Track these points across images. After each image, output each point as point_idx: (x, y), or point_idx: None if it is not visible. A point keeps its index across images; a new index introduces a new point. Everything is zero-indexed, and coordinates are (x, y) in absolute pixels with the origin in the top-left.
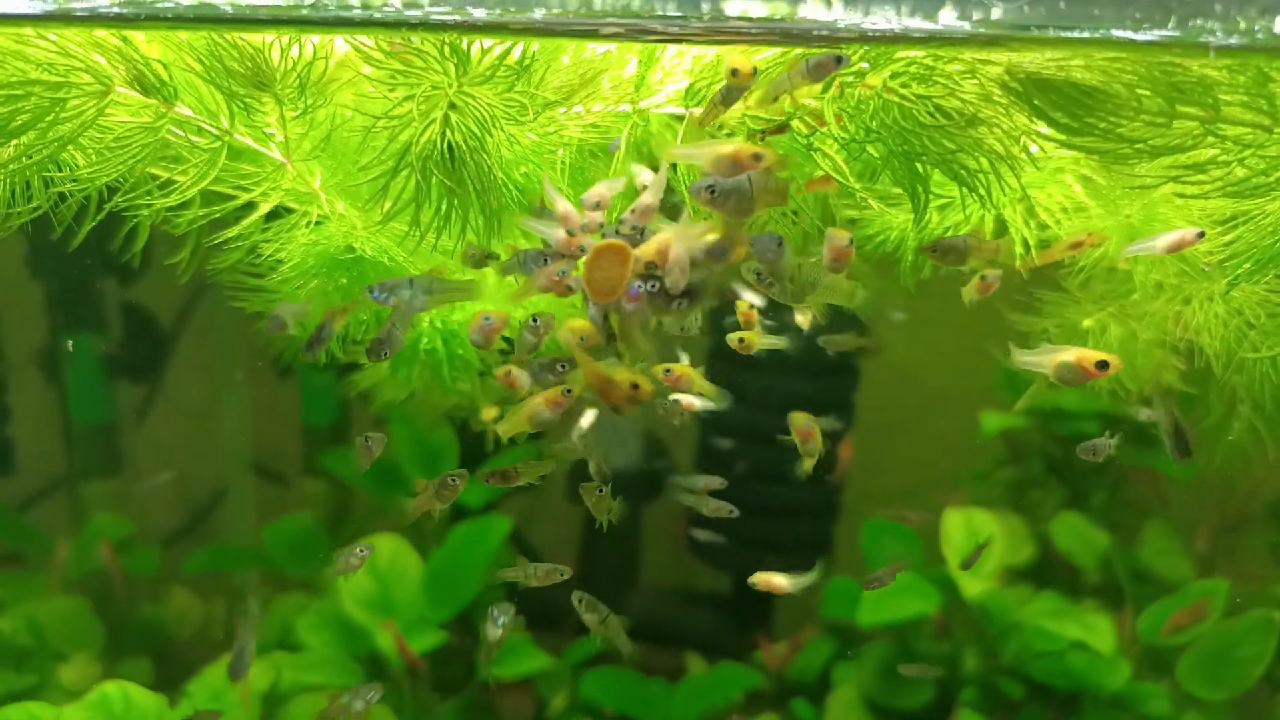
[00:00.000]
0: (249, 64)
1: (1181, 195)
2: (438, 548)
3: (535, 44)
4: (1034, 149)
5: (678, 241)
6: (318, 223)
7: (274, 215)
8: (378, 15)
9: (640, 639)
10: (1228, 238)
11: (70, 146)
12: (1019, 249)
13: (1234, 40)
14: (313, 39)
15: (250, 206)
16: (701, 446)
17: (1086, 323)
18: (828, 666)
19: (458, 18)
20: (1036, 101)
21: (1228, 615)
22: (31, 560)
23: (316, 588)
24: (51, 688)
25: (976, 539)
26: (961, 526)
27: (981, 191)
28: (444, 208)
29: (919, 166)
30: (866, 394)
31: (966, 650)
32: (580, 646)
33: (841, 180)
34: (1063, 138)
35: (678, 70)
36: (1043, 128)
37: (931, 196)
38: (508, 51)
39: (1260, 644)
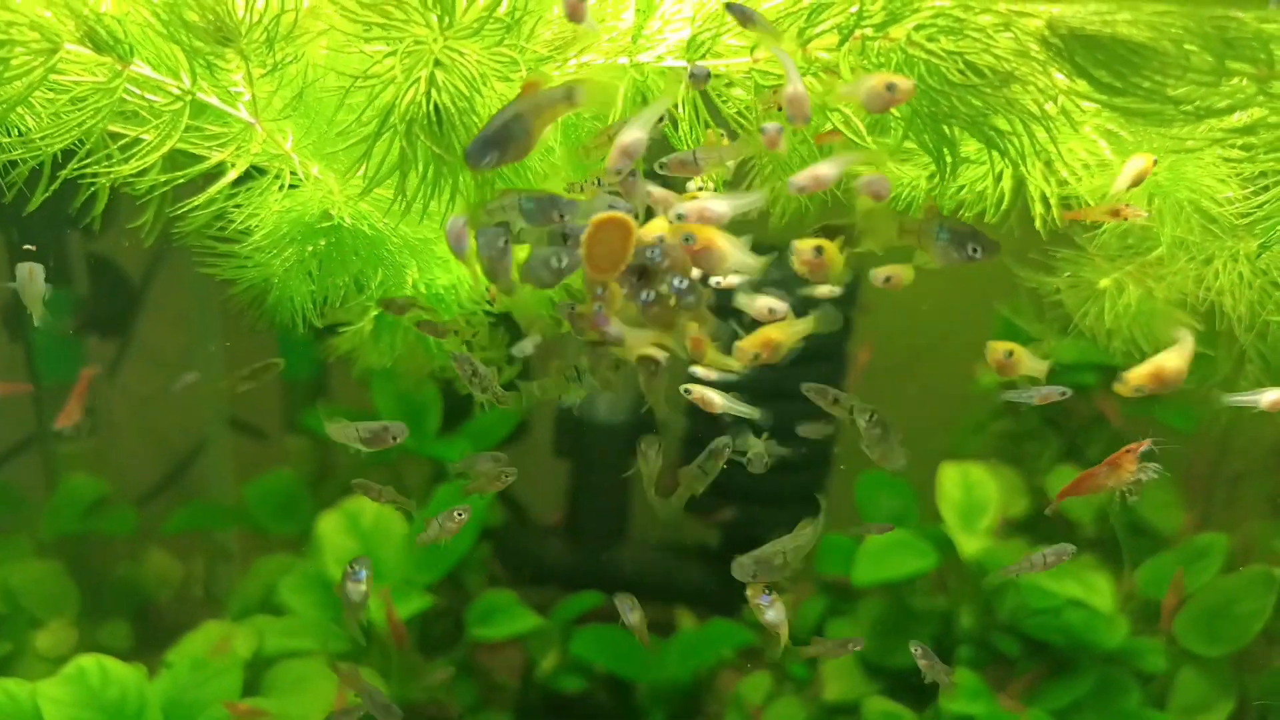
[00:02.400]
0: (210, 16)
1: (1229, 160)
2: (423, 508)
3: None
4: (1047, 106)
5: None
6: (292, 186)
7: (246, 177)
8: None
9: (630, 593)
10: (1261, 199)
11: (19, 108)
12: (1038, 207)
13: None
14: None
15: (218, 169)
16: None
17: (1103, 282)
18: (821, 623)
19: None
20: (1078, 59)
21: (1226, 570)
22: (3, 523)
23: (299, 547)
24: (27, 655)
25: (972, 493)
26: (958, 481)
27: (1014, 154)
28: (431, 174)
29: (945, 128)
30: (859, 345)
31: (962, 608)
32: (569, 604)
33: (854, 137)
34: (1104, 98)
35: (677, 19)
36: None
37: (949, 153)
38: (498, 1)
39: (1259, 600)
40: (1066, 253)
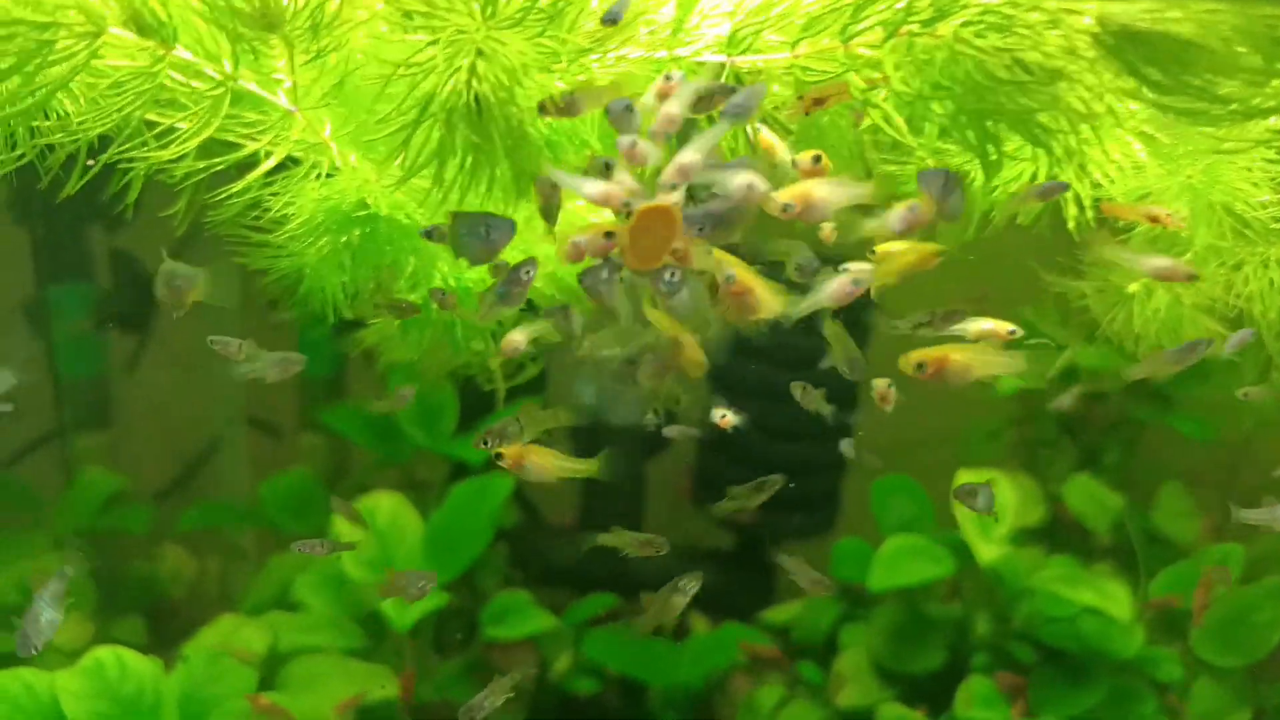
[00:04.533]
0: (256, 2)
1: (1270, 160)
2: (438, 506)
3: None
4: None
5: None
6: (328, 175)
7: (280, 166)
8: None
9: (643, 597)
10: None
11: (60, 92)
12: (1072, 208)
13: None
14: None
15: (253, 157)
16: (706, 402)
17: (1132, 287)
18: (835, 628)
19: None
20: (1128, 56)
21: (1243, 580)
22: (21, 518)
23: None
24: (44, 648)
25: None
26: None
27: (1060, 153)
28: (469, 164)
29: (989, 125)
30: (878, 351)
31: (978, 614)
32: (582, 606)
33: (897, 136)
34: (1153, 96)
35: (716, 14)
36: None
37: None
38: None
39: (1277, 609)
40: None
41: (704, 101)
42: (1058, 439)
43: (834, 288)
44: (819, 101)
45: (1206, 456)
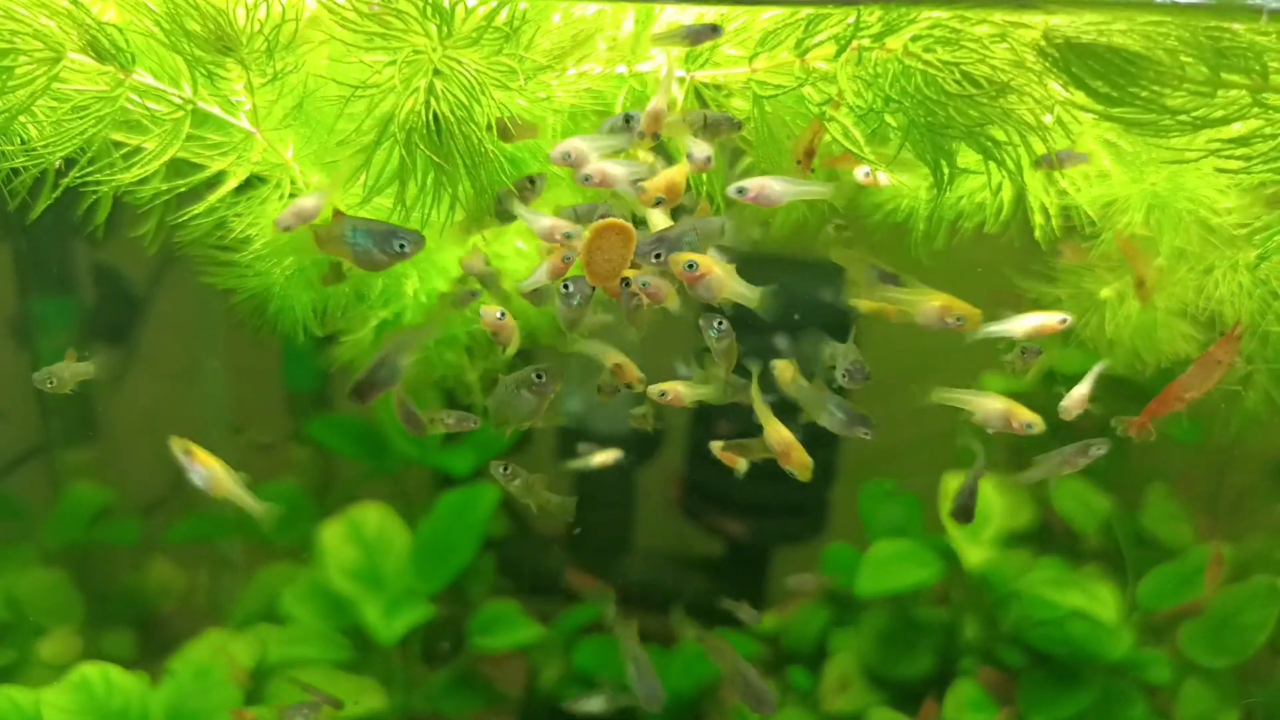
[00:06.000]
0: (211, 26)
1: (1223, 170)
2: (426, 517)
3: (523, 2)
4: (1047, 118)
5: None
6: (291, 195)
7: (247, 185)
8: None
9: (634, 605)
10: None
11: (21, 116)
12: (1038, 218)
13: None
14: None
15: (219, 178)
16: (694, 410)
17: (1104, 292)
18: (824, 634)
19: None
20: (1074, 69)
21: (1230, 581)
22: (8, 532)
23: (302, 556)
24: (31, 663)
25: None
26: None
27: (1011, 165)
28: (430, 183)
29: (942, 139)
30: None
31: (966, 618)
32: (572, 615)
33: (854, 149)
34: (1100, 108)
35: None
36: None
37: (946, 164)
38: (496, 10)
39: (1263, 611)
40: (1067, 263)
41: (710, 129)
42: (1046, 441)
43: None
44: (810, 153)
45: (1194, 458)
